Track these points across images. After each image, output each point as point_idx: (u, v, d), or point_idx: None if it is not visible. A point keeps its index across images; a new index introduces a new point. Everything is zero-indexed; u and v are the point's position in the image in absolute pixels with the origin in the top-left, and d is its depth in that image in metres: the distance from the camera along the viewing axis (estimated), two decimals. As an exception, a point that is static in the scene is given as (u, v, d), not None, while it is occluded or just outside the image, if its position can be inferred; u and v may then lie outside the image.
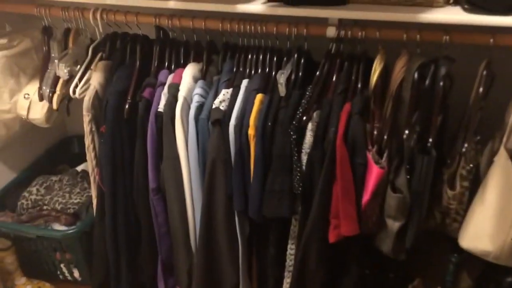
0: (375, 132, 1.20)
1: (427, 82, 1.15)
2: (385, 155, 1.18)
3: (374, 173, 1.15)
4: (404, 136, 1.16)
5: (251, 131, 1.25)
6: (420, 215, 1.19)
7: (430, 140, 1.15)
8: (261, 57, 1.34)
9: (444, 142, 1.24)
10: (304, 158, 1.23)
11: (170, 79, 1.38)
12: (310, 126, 1.21)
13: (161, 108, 1.34)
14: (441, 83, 1.13)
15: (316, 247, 1.27)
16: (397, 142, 1.20)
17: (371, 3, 1.16)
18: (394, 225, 1.21)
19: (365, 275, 1.36)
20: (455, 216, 1.21)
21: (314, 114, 1.21)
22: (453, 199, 1.18)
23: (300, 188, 1.24)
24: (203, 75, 1.39)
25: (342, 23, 1.24)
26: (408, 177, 1.17)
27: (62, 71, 1.48)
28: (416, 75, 1.15)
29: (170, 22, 1.36)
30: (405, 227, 1.21)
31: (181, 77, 1.35)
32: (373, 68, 1.19)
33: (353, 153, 1.17)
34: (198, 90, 1.33)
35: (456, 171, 1.18)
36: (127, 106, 1.38)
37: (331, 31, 1.22)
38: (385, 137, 1.19)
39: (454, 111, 1.22)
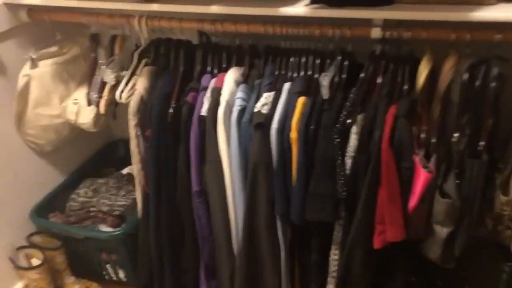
0: (422, 135, 1.16)
1: (477, 83, 1.11)
2: (432, 159, 1.15)
3: (422, 177, 1.12)
4: (454, 140, 1.13)
5: (293, 135, 1.24)
6: (470, 222, 1.15)
7: (481, 143, 1.11)
8: (303, 59, 1.33)
9: (495, 146, 1.19)
10: (348, 162, 1.21)
11: (212, 83, 1.39)
12: (354, 129, 1.19)
13: (204, 112, 1.36)
14: (493, 84, 1.09)
15: (360, 253, 1.24)
16: (445, 146, 1.16)
17: (417, 2, 1.13)
18: (442, 231, 1.17)
19: (411, 282, 1.33)
20: (508, 223, 1.16)
21: (359, 117, 1.19)
22: (506, 205, 1.14)
23: (344, 193, 1.22)
24: (245, 79, 1.39)
25: (386, 24, 1.21)
26: (458, 181, 1.13)
27: (109, 77, 1.52)
28: (466, 76, 1.11)
29: (213, 27, 1.37)
30: (455, 233, 1.17)
31: (223, 81, 1.36)
32: (419, 69, 1.16)
33: (400, 157, 1.14)
34: (240, 94, 1.34)
35: (509, 176, 1.13)
36: (171, 110, 1.40)
37: (376, 32, 1.19)
38: (433, 140, 1.16)
39: (506, 113, 1.17)
